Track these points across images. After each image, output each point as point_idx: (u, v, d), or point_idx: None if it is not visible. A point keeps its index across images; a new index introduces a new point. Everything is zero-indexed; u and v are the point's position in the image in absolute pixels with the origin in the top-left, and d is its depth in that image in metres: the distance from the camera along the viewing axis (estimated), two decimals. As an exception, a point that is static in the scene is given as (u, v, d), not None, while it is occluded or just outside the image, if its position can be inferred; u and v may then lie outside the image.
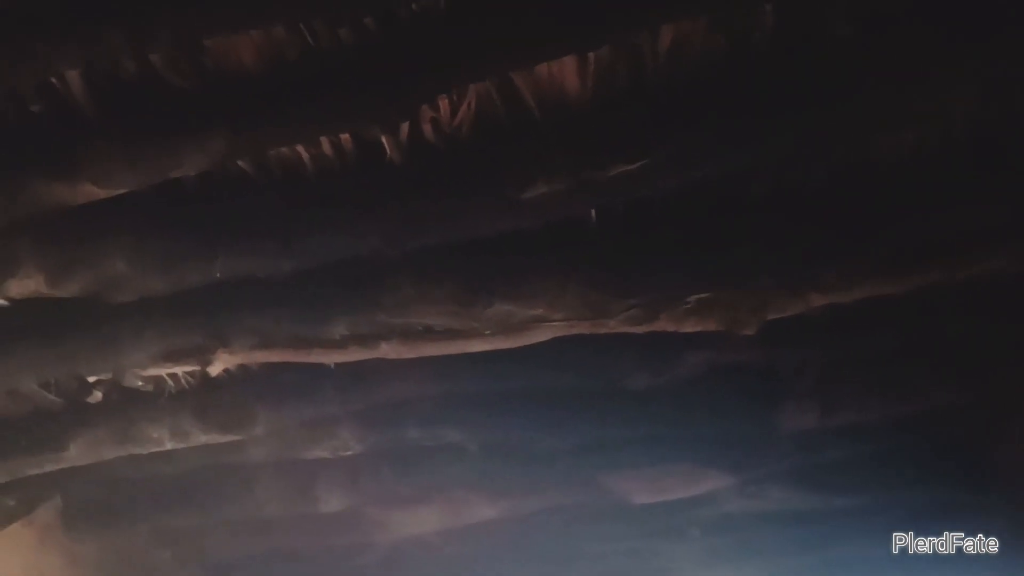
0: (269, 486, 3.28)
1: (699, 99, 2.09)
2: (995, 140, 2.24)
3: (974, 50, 1.94)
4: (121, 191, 2.20)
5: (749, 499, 3.38)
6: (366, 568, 3.76)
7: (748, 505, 3.40)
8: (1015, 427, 3.13)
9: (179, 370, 2.79)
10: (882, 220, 2.35)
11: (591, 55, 2.02)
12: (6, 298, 2.55)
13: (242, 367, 2.87)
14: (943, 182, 2.29)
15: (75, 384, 2.92)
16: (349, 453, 3.11)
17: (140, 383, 2.90)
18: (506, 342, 2.58)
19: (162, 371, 2.76)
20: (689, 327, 2.54)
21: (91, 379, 2.87)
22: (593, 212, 2.38)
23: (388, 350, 2.62)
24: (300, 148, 2.24)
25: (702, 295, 2.42)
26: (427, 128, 2.18)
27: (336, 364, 2.76)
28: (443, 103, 2.13)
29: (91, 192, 2.19)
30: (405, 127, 2.17)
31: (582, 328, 2.51)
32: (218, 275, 2.31)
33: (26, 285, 2.37)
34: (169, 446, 2.96)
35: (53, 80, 2.09)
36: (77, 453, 2.95)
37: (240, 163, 2.26)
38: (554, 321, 2.47)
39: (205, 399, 2.91)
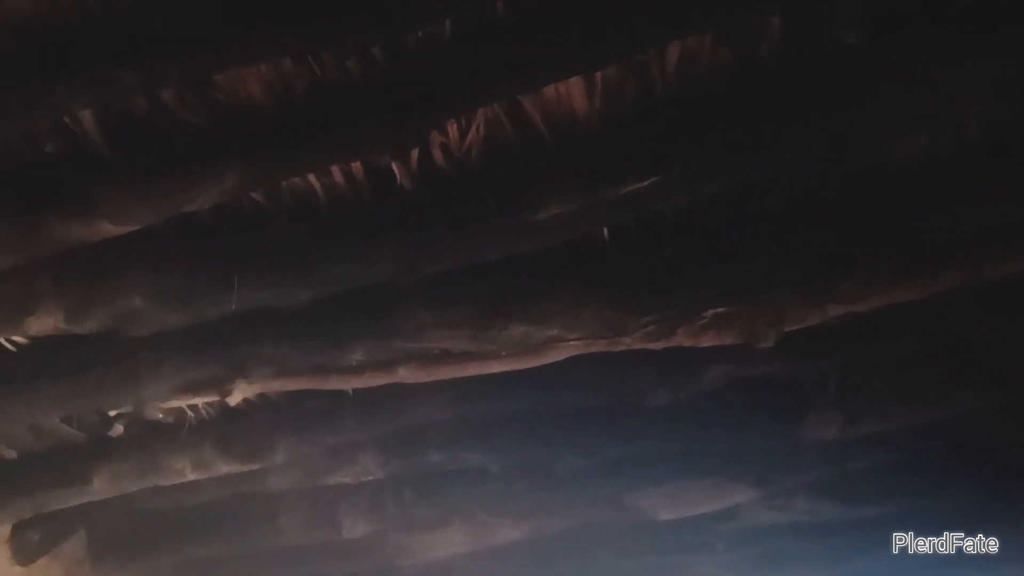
0: (292, 514, 3.29)
1: (708, 113, 2.09)
2: (1008, 140, 2.22)
3: (982, 50, 1.94)
4: (136, 227, 2.22)
5: (774, 511, 3.35)
6: (391, 593, 3.75)
7: (773, 517, 3.37)
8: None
9: (199, 401, 2.80)
10: (898, 226, 2.33)
11: (598, 75, 2.03)
12: (26, 336, 2.58)
13: (262, 396, 2.88)
14: (958, 184, 2.27)
15: (97, 418, 2.94)
16: (371, 479, 3.11)
17: (161, 415, 2.92)
18: (524, 363, 2.58)
19: (182, 403, 2.77)
20: (707, 342, 2.52)
21: (112, 413, 2.90)
22: (606, 231, 2.38)
23: (406, 375, 2.62)
24: (312, 178, 2.25)
25: (719, 309, 2.41)
26: (437, 153, 2.19)
27: (355, 390, 2.77)
28: (452, 128, 2.14)
29: (107, 229, 2.20)
30: (415, 153, 2.18)
31: (599, 347, 2.50)
32: (234, 307, 2.32)
33: (45, 322, 2.39)
34: (192, 477, 2.97)
35: (67, 120, 2.12)
36: (100, 486, 2.97)
37: (253, 195, 2.28)
38: (571, 341, 2.46)
39: (226, 429, 2.92)
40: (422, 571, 3.64)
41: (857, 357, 2.83)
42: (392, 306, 2.41)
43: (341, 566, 3.65)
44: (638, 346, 2.49)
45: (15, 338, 2.62)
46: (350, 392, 2.78)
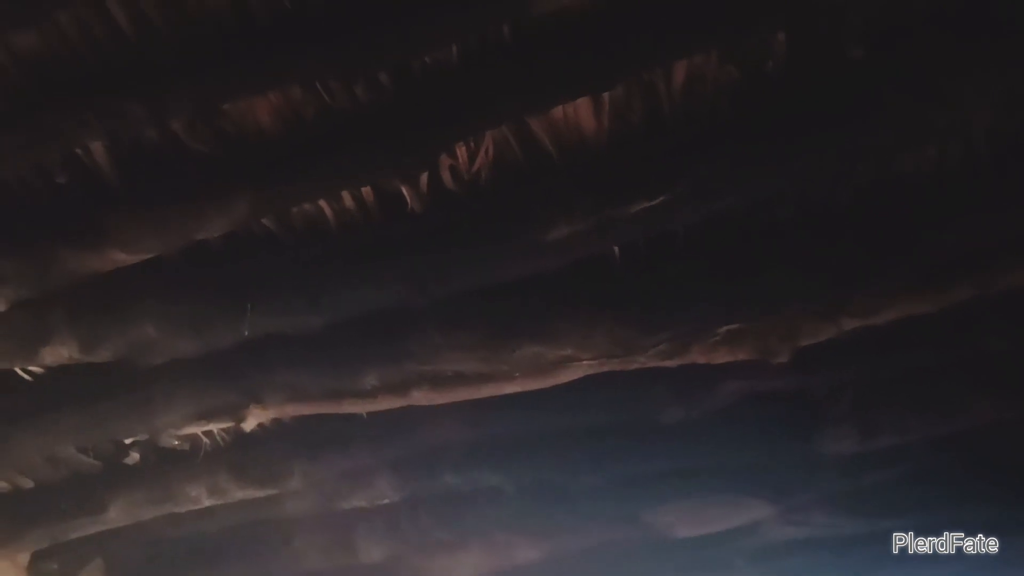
0: (308, 538, 3.27)
1: (716, 130, 2.10)
2: (1019, 149, 2.21)
3: (988, 60, 1.93)
4: (148, 256, 2.23)
5: (793, 527, 3.32)
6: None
7: (792, 533, 3.34)
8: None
9: (214, 427, 2.80)
10: (910, 238, 2.32)
11: (605, 95, 2.04)
12: (41, 366, 2.59)
13: (276, 421, 2.88)
14: (969, 195, 2.26)
15: (112, 447, 2.96)
16: (387, 502, 3.09)
17: (176, 442, 2.93)
18: (537, 383, 2.57)
19: (197, 429, 2.77)
20: (721, 358, 2.52)
21: (127, 441, 2.90)
22: (617, 249, 2.38)
23: (420, 397, 2.62)
24: (323, 203, 2.26)
25: (732, 326, 2.40)
26: (446, 176, 2.20)
27: (369, 414, 2.76)
28: (461, 151, 2.14)
29: (119, 259, 2.22)
30: (425, 177, 2.19)
31: (613, 365, 2.50)
32: (247, 333, 2.33)
33: (60, 352, 2.41)
34: (207, 503, 2.97)
35: (78, 151, 2.13)
36: (117, 515, 2.97)
37: (264, 222, 2.29)
38: (584, 360, 2.45)
39: (241, 455, 2.92)
40: (440, 593, 3.62)
41: (873, 370, 2.81)
42: (404, 329, 2.41)
43: (359, 590, 3.64)
44: (652, 364, 2.49)
45: (31, 368, 2.63)
46: (364, 416, 2.78)
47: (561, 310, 2.37)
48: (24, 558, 3.23)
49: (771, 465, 3.08)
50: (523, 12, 1.84)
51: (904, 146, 2.17)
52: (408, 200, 2.23)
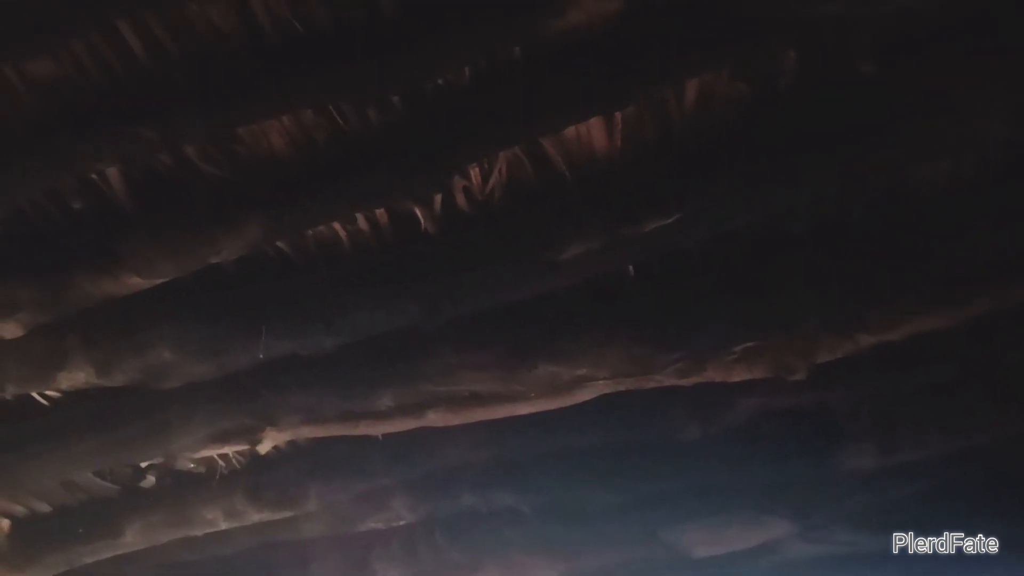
0: (325, 561, 3.26)
1: (729, 148, 2.10)
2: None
3: (998, 72, 1.92)
4: (163, 280, 2.24)
5: (814, 544, 3.28)
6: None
7: (813, 551, 3.30)
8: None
9: (229, 450, 2.80)
10: (925, 252, 2.30)
11: (617, 114, 2.03)
12: (57, 390, 2.60)
13: (291, 444, 2.88)
14: (984, 207, 2.25)
15: (128, 471, 2.95)
16: (403, 523, 3.08)
17: (192, 465, 2.92)
18: (553, 403, 2.56)
19: (213, 452, 2.77)
20: (738, 375, 2.50)
21: (144, 465, 2.90)
22: (631, 268, 2.37)
23: (435, 418, 2.61)
24: (336, 226, 2.27)
25: (748, 343, 2.38)
26: (460, 198, 2.20)
27: (384, 435, 2.75)
28: (474, 172, 2.15)
29: (134, 283, 2.23)
30: (438, 198, 2.19)
31: (629, 384, 2.48)
32: (262, 356, 2.33)
33: (76, 377, 2.41)
34: (224, 526, 2.97)
35: (93, 177, 2.15)
36: (133, 538, 2.97)
37: (278, 244, 2.29)
38: (600, 379, 2.44)
39: (257, 478, 2.91)
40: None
41: (891, 385, 2.79)
42: (419, 350, 2.41)
43: (376, 612, 3.62)
44: (668, 382, 2.47)
45: (48, 393, 2.64)
46: (379, 437, 2.77)
47: (576, 329, 2.37)
48: (41, 583, 3.23)
49: (790, 482, 3.05)
50: (534, 33, 1.84)
51: (916, 159, 2.17)
52: (422, 221, 2.23)
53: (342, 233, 2.28)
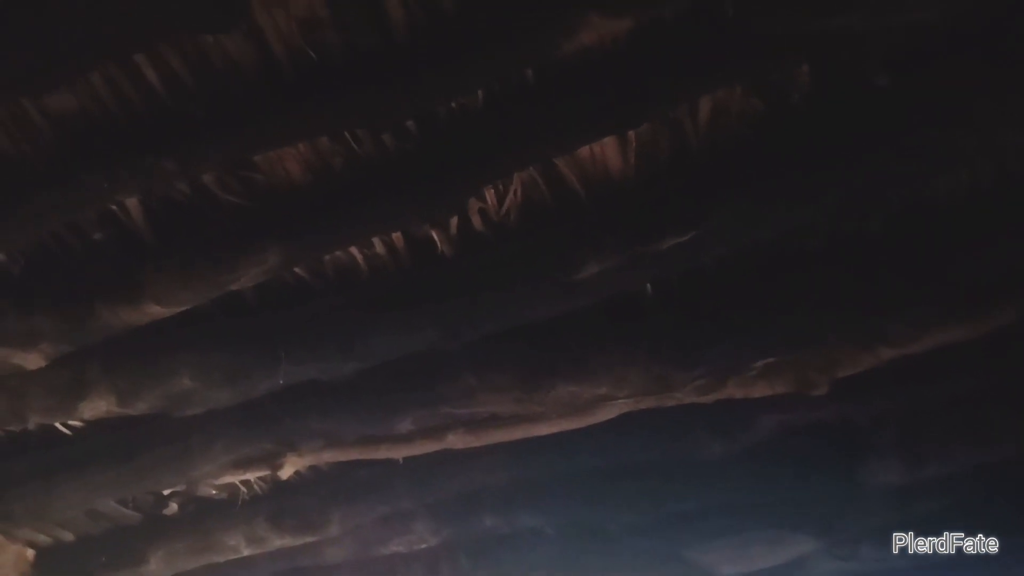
0: (348, 586, 3.26)
1: (744, 164, 2.09)
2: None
3: (1014, 81, 1.91)
4: (183, 308, 2.25)
5: (840, 561, 3.24)
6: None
7: (840, 567, 3.26)
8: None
9: (251, 476, 2.80)
10: (945, 264, 2.28)
11: (631, 133, 2.04)
12: (80, 420, 2.61)
13: (313, 469, 2.88)
14: (1004, 218, 2.23)
15: (151, 498, 2.97)
16: (425, 546, 3.07)
17: (214, 492, 2.93)
18: (573, 423, 2.55)
19: (234, 478, 2.78)
20: (759, 392, 2.48)
21: (166, 492, 2.91)
22: (649, 286, 2.37)
23: (455, 440, 2.61)
24: (354, 251, 2.28)
25: (768, 359, 2.37)
26: (476, 219, 2.21)
27: (405, 459, 2.75)
28: (489, 194, 2.15)
29: (155, 312, 2.25)
30: (454, 221, 2.20)
31: (649, 403, 2.48)
32: (282, 382, 2.34)
33: (99, 406, 2.43)
34: (246, 552, 2.97)
35: (113, 208, 2.17)
36: (156, 566, 2.98)
37: (297, 270, 2.30)
38: (620, 398, 2.43)
39: (279, 503, 2.92)
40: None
41: (915, 399, 2.76)
42: (438, 373, 2.41)
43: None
44: (688, 400, 2.46)
45: (71, 422, 2.66)
46: (400, 461, 2.77)
47: (595, 349, 2.36)
48: (66, 611, 3.24)
49: (815, 498, 3.02)
50: (546, 55, 1.84)
51: (934, 171, 2.15)
52: (439, 244, 2.24)
53: (359, 258, 2.29)
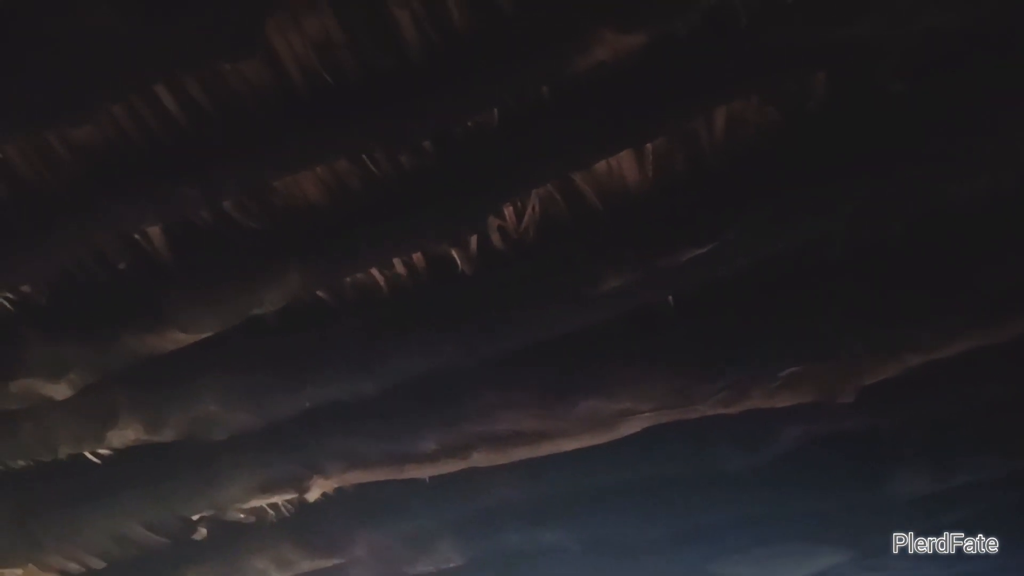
0: (376, 607, 3.25)
1: (761, 174, 2.09)
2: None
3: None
4: (207, 334, 2.27)
5: (871, 572, 3.21)
6: None
7: (870, 579, 3.24)
8: None
9: (278, 499, 2.81)
10: (969, 269, 2.27)
11: (648, 146, 2.04)
12: (108, 448, 2.63)
13: (339, 490, 2.88)
14: (1026, 222, 2.22)
15: (179, 524, 2.97)
16: (451, 565, 3.06)
17: (242, 516, 2.94)
18: (596, 438, 2.53)
19: (261, 502, 2.78)
20: (783, 402, 2.46)
21: (194, 517, 2.92)
22: (670, 298, 2.36)
23: (479, 458, 2.60)
24: (374, 272, 2.29)
25: (792, 369, 2.35)
26: (495, 237, 2.22)
27: (431, 478, 2.75)
28: (508, 211, 2.16)
29: (179, 338, 2.27)
30: (474, 239, 2.21)
31: (672, 416, 2.46)
32: (307, 404, 2.35)
33: (126, 434, 2.45)
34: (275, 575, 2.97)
35: (136, 236, 2.19)
36: (186, 591, 2.98)
37: (318, 293, 2.32)
38: (643, 412, 2.42)
39: (305, 525, 2.92)
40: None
41: (943, 406, 2.73)
42: (460, 391, 2.41)
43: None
44: (712, 412, 2.44)
45: (98, 451, 2.68)
46: (426, 480, 2.77)
47: (616, 363, 2.35)
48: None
49: (843, 509, 2.99)
50: (561, 71, 1.85)
51: (955, 178, 2.13)
52: (459, 263, 2.25)
53: (380, 279, 2.31)
